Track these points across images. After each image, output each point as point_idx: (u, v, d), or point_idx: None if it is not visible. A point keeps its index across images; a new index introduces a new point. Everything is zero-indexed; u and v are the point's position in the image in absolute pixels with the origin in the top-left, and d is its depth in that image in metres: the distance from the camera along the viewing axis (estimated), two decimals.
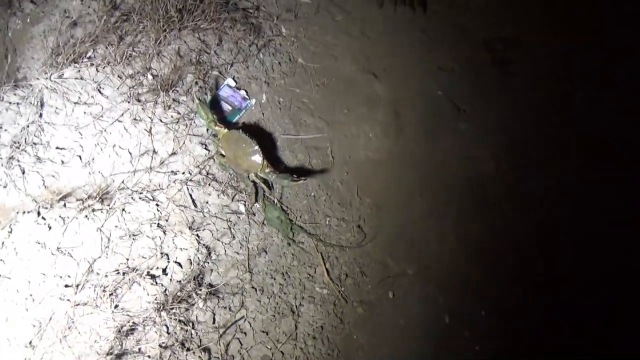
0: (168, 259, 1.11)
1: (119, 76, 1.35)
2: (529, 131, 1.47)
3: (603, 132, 1.53)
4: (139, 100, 1.33)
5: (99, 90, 1.34)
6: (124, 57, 1.36)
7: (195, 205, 1.19)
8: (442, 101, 1.48)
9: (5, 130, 1.33)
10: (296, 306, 1.09)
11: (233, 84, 1.39)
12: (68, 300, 1.02)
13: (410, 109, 1.45)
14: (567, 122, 1.52)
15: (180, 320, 1.00)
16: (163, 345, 0.97)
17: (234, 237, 1.16)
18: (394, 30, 1.61)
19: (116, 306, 1.01)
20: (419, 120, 1.43)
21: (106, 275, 1.05)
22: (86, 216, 1.16)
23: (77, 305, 1.01)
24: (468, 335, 1.10)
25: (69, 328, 0.99)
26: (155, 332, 0.98)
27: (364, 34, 1.58)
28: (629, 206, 1.42)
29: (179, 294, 1.03)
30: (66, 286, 1.05)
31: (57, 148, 1.28)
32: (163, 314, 0.99)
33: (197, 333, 1.00)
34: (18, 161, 1.26)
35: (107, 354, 0.94)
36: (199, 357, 0.99)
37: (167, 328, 0.99)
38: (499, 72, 1.58)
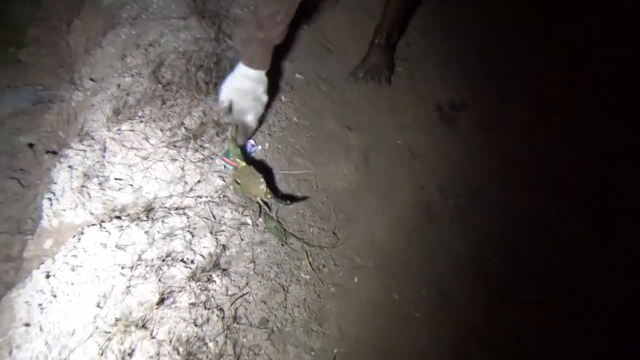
0: (194, 253, 1.54)
1: (160, 129, 1.85)
2: (469, 167, 1.93)
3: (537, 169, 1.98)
4: (175, 146, 1.81)
5: (146, 139, 1.83)
6: (165, 116, 1.87)
7: (215, 218, 1.64)
8: (401, 148, 1.95)
9: (76, 168, 1.81)
10: (286, 286, 1.50)
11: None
12: (124, 276, 1.45)
13: (376, 153, 1.92)
14: (503, 159, 1.98)
15: (203, 289, 1.42)
16: (191, 303, 1.38)
17: (242, 239, 1.59)
18: (366, 97, 2.13)
19: (159, 280, 1.44)
20: (382, 161, 1.89)
21: (152, 260, 1.48)
22: (136, 224, 1.60)
23: (131, 279, 1.44)
24: (411, 308, 1.49)
25: (125, 294, 1.41)
26: (187, 296, 1.40)
27: (343, 100, 2.10)
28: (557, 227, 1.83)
29: (202, 272, 1.45)
30: (122, 268, 1.48)
31: (115, 179, 1.75)
32: (192, 283, 1.42)
33: (214, 299, 1.42)
34: (87, 189, 1.73)
35: (154, 308, 1.36)
36: (217, 314, 1.39)
37: (195, 293, 1.41)
38: (447, 126, 2.07)
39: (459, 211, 1.76)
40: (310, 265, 1.56)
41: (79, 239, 1.62)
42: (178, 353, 1.30)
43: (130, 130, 1.85)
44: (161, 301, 1.36)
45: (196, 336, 1.33)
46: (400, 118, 2.03)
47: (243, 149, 1.80)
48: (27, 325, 1.44)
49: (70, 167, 1.82)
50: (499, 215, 1.77)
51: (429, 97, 2.14)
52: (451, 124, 2.05)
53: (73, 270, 1.53)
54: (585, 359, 1.46)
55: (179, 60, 2.06)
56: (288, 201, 1.63)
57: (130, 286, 1.43)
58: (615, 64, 2.22)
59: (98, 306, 1.41)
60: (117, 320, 1.37)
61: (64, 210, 1.74)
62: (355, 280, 1.55)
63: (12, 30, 3.67)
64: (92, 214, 1.71)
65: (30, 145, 2.76)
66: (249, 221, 1.64)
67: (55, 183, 1.83)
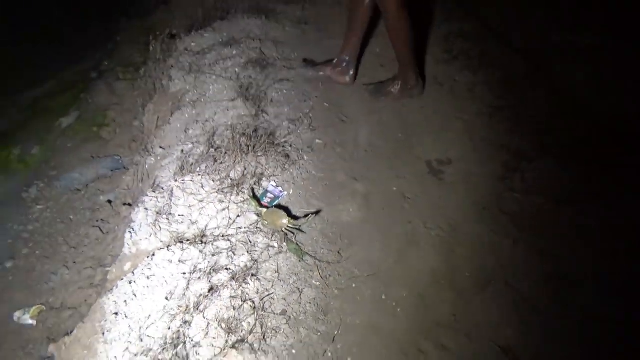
0: (234, 264, 2.10)
1: (212, 180, 2.48)
2: (449, 208, 2.44)
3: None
4: (222, 192, 2.43)
5: (202, 187, 2.46)
6: (216, 170, 2.51)
7: (250, 242, 2.21)
8: (395, 193, 2.50)
9: (150, 209, 2.44)
10: (301, 289, 2.01)
11: (274, 184, 2.50)
12: (185, 279, 2.02)
13: (375, 197, 2.47)
14: (476, 203, 2.48)
15: (240, 288, 1.97)
16: (231, 296, 1.93)
17: (270, 257, 2.14)
18: (370, 156, 2.72)
19: (209, 281, 2.00)
20: (379, 203, 2.44)
21: (204, 269, 2.05)
22: (193, 246, 2.19)
23: (189, 281, 2.01)
24: (394, 305, 1.99)
25: (185, 290, 1.98)
26: (228, 292, 1.95)
27: (352, 159, 2.69)
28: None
29: (240, 277, 2.01)
30: (183, 274, 2.05)
31: (179, 215, 2.37)
32: (232, 283, 1.97)
33: (248, 295, 1.96)
34: (158, 223, 2.35)
35: (205, 297, 1.91)
36: (249, 305, 1.93)
37: (234, 290, 1.95)
38: (434, 178, 2.62)
39: (438, 240, 2.26)
40: (320, 275, 2.09)
41: (152, 258, 2.21)
42: (222, 328, 1.83)
43: (191, 181, 2.50)
44: (210, 293, 1.92)
45: (234, 317, 1.87)
46: (397, 171, 2.60)
47: (267, 193, 2.41)
48: (116, 314, 2.02)
49: (146, 209, 2.46)
50: (472, 241, 2.26)
51: (422, 156, 2.70)
52: (437, 176, 2.59)
53: (148, 278, 2.12)
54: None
55: (227, 130, 2.74)
56: (306, 217, 2.22)
57: (188, 286, 2.00)
58: None
59: (166, 299, 1.98)
60: (179, 307, 1.93)
61: (141, 240, 2.36)
62: (353, 285, 2.06)
63: (95, 114, 4.55)
64: (161, 241, 2.32)
65: (109, 201, 3.47)
66: (276, 245, 2.20)
67: (134, 221, 2.46)
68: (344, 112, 3.04)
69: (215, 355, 1.77)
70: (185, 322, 1.87)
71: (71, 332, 2.21)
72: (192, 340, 1.81)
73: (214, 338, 1.82)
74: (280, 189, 2.49)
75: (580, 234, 2.16)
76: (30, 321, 2.86)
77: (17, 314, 2.90)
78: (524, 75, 3.07)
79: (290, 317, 1.93)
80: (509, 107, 2.87)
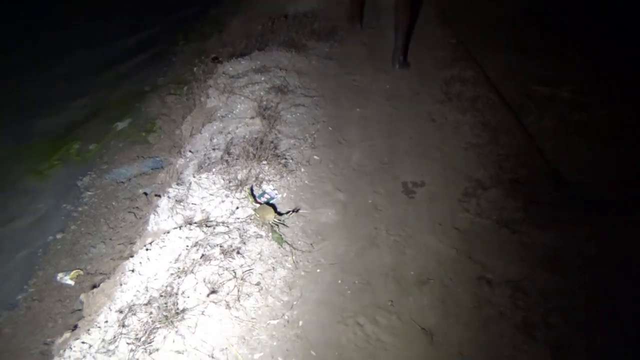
0: (228, 243, 2.67)
1: (223, 179, 3.07)
2: (412, 219, 2.93)
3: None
4: (229, 189, 3.02)
5: (214, 183, 3.06)
6: (226, 171, 3.11)
7: (243, 229, 2.77)
8: (369, 205, 3.00)
9: (171, 198, 3.06)
10: (276, 268, 2.56)
11: (272, 187, 3.07)
12: (188, 250, 2.60)
13: (352, 206, 2.99)
14: (443, 222, 2.94)
15: (227, 259, 2.53)
16: (219, 266, 2.49)
17: (257, 242, 2.70)
18: (356, 174, 3.25)
19: (204, 252, 2.57)
20: (354, 211, 2.95)
21: (204, 244, 2.63)
22: (199, 228, 2.78)
23: (189, 250, 2.58)
24: (346, 287, 2.49)
25: (186, 256, 2.55)
26: (217, 262, 2.51)
27: (341, 174, 3.24)
28: None
29: (229, 252, 2.57)
30: (187, 247, 2.63)
31: (192, 204, 2.97)
32: (222, 256, 2.53)
33: (232, 266, 2.51)
34: (176, 208, 2.96)
35: (199, 260, 2.48)
36: (232, 274, 2.48)
37: (222, 261, 2.52)
38: (406, 195, 3.11)
39: (394, 243, 2.75)
40: (293, 260, 2.62)
41: (167, 235, 2.81)
42: (206, 287, 2.39)
43: (206, 178, 3.10)
44: (202, 259, 2.49)
45: (219, 281, 2.42)
46: (375, 187, 3.11)
47: (264, 194, 2.98)
48: (132, 271, 2.61)
49: (168, 197, 3.08)
50: (422, 247, 2.74)
51: (400, 177, 3.21)
52: (408, 195, 3.08)
53: (160, 248, 2.71)
54: None
55: (242, 141, 3.35)
56: (287, 213, 2.77)
57: (188, 254, 2.58)
58: None
59: (169, 262, 2.57)
60: (177, 268, 2.50)
61: (161, 221, 2.97)
62: (318, 270, 2.58)
63: (145, 121, 5.30)
64: (176, 222, 2.92)
65: (145, 193, 4.13)
66: (263, 233, 2.75)
67: (158, 206, 3.08)
68: (343, 136, 3.59)
69: (198, 305, 2.33)
70: (180, 278, 2.44)
71: (98, 285, 2.84)
72: (182, 293, 2.38)
73: (200, 293, 2.38)
74: (276, 191, 3.05)
75: (509, 250, 2.60)
76: (70, 282, 3.51)
77: (60, 275, 3.56)
78: (502, 120, 3.53)
79: (262, 288, 2.47)
80: (482, 145, 3.33)
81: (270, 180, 3.10)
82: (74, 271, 3.59)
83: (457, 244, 2.72)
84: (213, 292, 2.40)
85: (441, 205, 2.97)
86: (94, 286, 2.96)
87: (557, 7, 4.54)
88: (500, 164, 3.14)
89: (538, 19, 4.46)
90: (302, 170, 3.22)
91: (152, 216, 3.05)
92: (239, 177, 3.08)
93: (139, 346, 2.19)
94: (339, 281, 2.54)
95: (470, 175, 3.11)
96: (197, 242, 2.66)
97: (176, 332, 2.22)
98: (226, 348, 2.22)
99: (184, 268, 2.50)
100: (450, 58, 4.48)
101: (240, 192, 2.99)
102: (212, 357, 2.16)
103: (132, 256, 2.79)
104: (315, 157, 3.35)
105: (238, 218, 2.86)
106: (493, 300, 2.38)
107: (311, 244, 2.73)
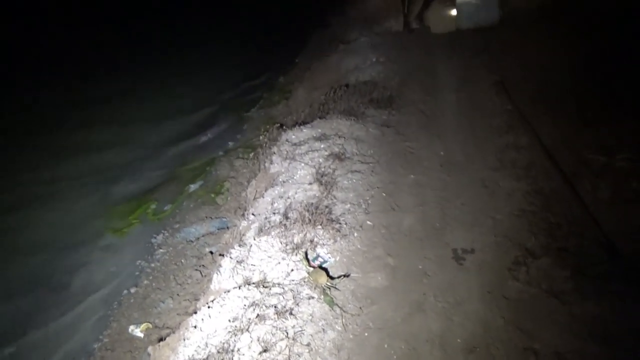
0: (281, 304, 2.85)
1: (280, 242, 3.30)
2: (462, 287, 2.98)
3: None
4: (285, 252, 3.23)
5: (272, 246, 3.28)
6: (284, 235, 3.33)
7: (297, 291, 2.95)
8: (419, 270, 3.10)
9: (233, 258, 3.30)
10: (325, 330, 2.70)
11: (325, 251, 3.25)
12: (245, 309, 2.80)
13: (402, 271, 3.10)
14: (490, 292, 2.98)
15: (281, 319, 2.70)
16: (273, 326, 2.67)
17: (309, 304, 2.87)
18: (407, 241, 3.37)
19: (259, 313, 2.76)
20: (403, 276, 3.07)
21: (261, 304, 2.82)
22: (256, 288, 2.99)
23: (247, 308, 2.79)
24: (392, 352, 2.57)
25: (244, 312, 2.75)
26: (271, 322, 2.69)
27: (392, 239, 3.37)
28: None
29: (282, 312, 2.75)
30: (245, 305, 2.84)
31: (251, 265, 3.20)
32: (276, 316, 2.71)
33: (285, 326, 2.68)
34: (237, 269, 3.19)
35: (255, 320, 2.67)
36: (284, 334, 2.64)
37: (275, 321, 2.69)
38: (455, 262, 3.18)
39: (442, 310, 2.82)
40: (342, 322, 2.75)
41: (227, 294, 3.04)
42: (260, 345, 2.56)
43: (265, 241, 3.34)
44: (257, 318, 2.68)
45: (272, 340, 2.59)
46: (426, 253, 3.21)
47: (318, 257, 3.16)
48: (195, 327, 2.84)
49: (230, 258, 3.34)
50: (470, 315, 2.78)
51: (450, 244, 3.30)
52: (458, 261, 3.16)
53: (221, 306, 2.93)
54: None
55: (300, 206, 3.58)
56: (339, 278, 2.92)
57: (245, 313, 2.77)
58: None
59: (228, 321, 2.77)
60: (235, 327, 2.70)
61: (223, 280, 3.21)
62: (366, 334, 2.68)
63: (215, 184, 5.71)
64: (236, 282, 3.15)
65: (211, 252, 4.43)
66: (315, 295, 2.91)
67: (221, 266, 3.34)
68: (397, 202, 3.75)
69: None
70: (236, 335, 2.63)
71: (165, 339, 3.09)
72: (238, 350, 2.56)
73: (253, 351, 2.55)
74: (329, 255, 3.23)
75: (558, 321, 2.59)
76: (140, 334, 3.80)
77: (131, 327, 3.87)
78: (556, 188, 3.56)
79: (312, 349, 2.60)
80: (534, 213, 3.37)
81: (324, 244, 3.29)
82: (144, 324, 3.88)
83: (505, 312, 2.74)
84: (265, 350, 2.57)
85: (490, 273, 3.02)
86: (161, 339, 3.20)
87: (612, 75, 4.55)
88: (552, 232, 3.15)
89: (596, 88, 4.48)
90: (355, 234, 3.39)
91: (215, 275, 3.30)
92: (295, 240, 3.29)
93: None
94: (386, 345, 2.63)
95: (521, 243, 3.14)
96: (254, 302, 2.86)
97: None
98: None
99: (240, 326, 2.69)
100: (505, 125, 4.57)
101: (296, 255, 3.19)
102: None
103: (195, 312, 3.03)
104: (368, 222, 3.51)
105: (293, 280, 3.05)
106: None
107: (360, 308, 2.85)
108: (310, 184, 3.95)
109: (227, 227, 4.75)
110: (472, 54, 6.29)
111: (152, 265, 4.57)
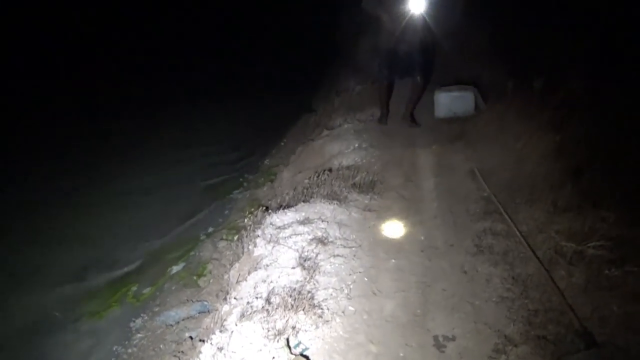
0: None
1: (262, 327, 3.29)
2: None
3: None
4: (267, 338, 3.21)
5: (254, 332, 3.27)
6: (266, 320, 3.33)
7: None
8: (400, 358, 3.11)
9: (214, 345, 3.27)
10: None
11: (307, 337, 3.24)
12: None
13: (383, 358, 3.11)
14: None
15: None
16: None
17: None
18: (389, 327, 3.39)
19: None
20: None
21: None
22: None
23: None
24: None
25: None
26: None
27: (374, 325, 3.38)
28: None
29: None
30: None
31: (232, 352, 3.16)
32: None
33: None
34: (217, 356, 3.15)
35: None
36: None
37: None
38: (436, 349, 3.19)
39: None
40: None
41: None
42: None
43: (247, 327, 3.33)
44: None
45: None
46: (407, 339, 3.22)
47: (299, 344, 3.15)
48: None
49: (211, 344, 3.31)
50: None
51: (432, 331, 3.32)
52: (439, 349, 3.16)
53: None
54: None
55: (282, 291, 3.61)
56: None
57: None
58: None
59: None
60: None
61: None
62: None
63: (198, 265, 5.71)
64: None
65: (191, 337, 4.36)
66: None
67: (201, 352, 3.30)
68: (378, 287, 3.79)
69: None
70: None
71: None
72: None
73: None
74: (311, 342, 3.22)
75: None
76: None
77: None
78: (533, 274, 3.66)
79: None
80: (512, 299, 3.43)
81: (306, 330, 3.28)
82: None
83: None
84: None
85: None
86: None
87: (583, 163, 4.80)
88: (530, 319, 3.20)
89: (567, 177, 4.71)
90: (337, 320, 3.40)
91: None
92: (277, 326, 3.29)
93: None
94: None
95: (500, 330, 3.18)
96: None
97: None
98: None
99: None
100: (482, 211, 4.74)
101: (278, 341, 3.17)
102: None
103: None
104: (350, 307, 3.53)
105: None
106: None
107: None
108: (293, 268, 3.99)
109: (208, 311, 4.69)
110: (449, 142, 6.59)
111: (129, 350, 4.45)
